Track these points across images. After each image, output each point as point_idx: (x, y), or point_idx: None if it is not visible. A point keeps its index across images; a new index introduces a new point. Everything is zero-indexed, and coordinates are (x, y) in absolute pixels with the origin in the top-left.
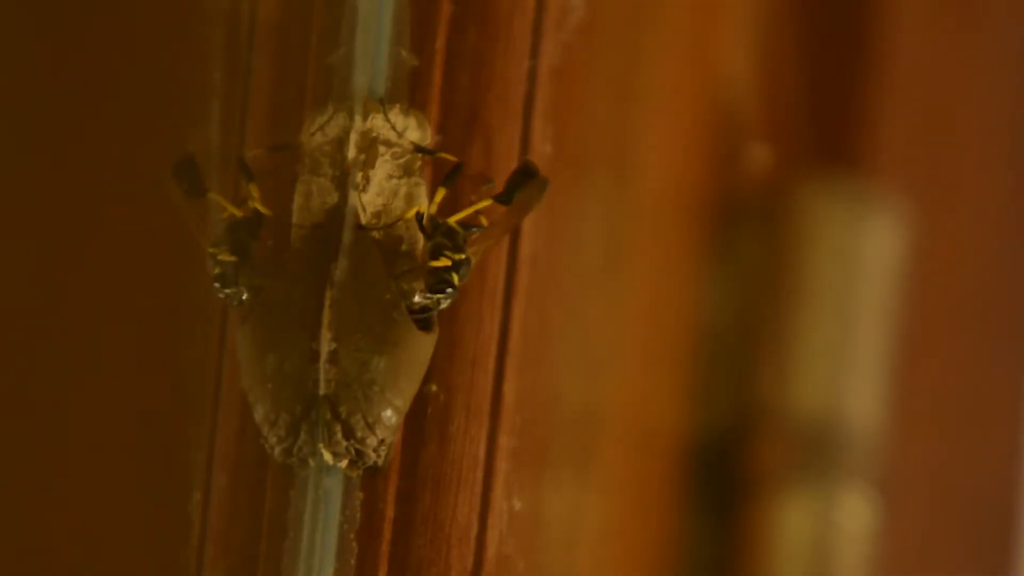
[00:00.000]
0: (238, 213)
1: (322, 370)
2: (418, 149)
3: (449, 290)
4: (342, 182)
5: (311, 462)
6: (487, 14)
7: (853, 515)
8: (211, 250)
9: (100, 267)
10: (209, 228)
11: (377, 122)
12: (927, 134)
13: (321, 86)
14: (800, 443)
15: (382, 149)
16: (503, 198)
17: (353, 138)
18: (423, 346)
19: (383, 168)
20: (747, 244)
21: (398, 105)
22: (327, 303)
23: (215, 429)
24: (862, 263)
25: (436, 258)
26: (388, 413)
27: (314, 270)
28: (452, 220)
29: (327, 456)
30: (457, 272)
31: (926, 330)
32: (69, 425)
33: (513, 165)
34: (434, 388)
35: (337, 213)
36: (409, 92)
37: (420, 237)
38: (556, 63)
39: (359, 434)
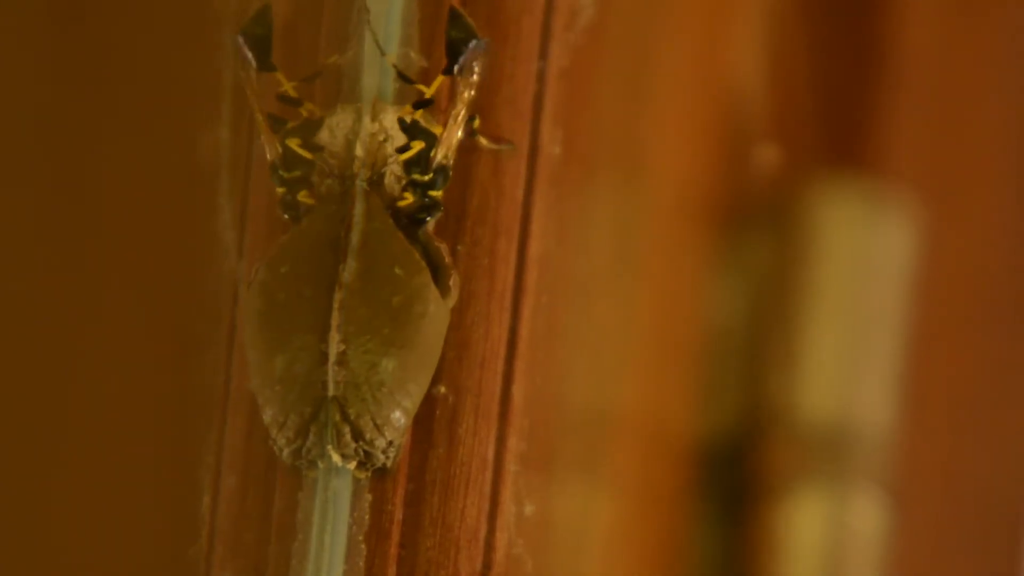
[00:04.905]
0: (304, 112)
1: (331, 372)
2: (400, 76)
3: (429, 219)
4: (350, 183)
5: (320, 464)
6: (496, 15)
7: (865, 518)
8: (289, 142)
9: (109, 269)
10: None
11: (386, 123)
12: (938, 135)
13: (330, 87)
14: (811, 445)
15: (390, 149)
16: (450, 69)
17: (361, 139)
18: (432, 348)
19: (391, 169)
20: (757, 245)
21: (407, 106)
22: (336, 305)
23: (224, 431)
24: (873, 264)
25: (409, 188)
26: (397, 415)
27: (322, 272)
28: (419, 114)
29: (336, 458)
30: (433, 188)
31: (938, 332)
32: (78, 426)
33: (522, 166)
34: (443, 390)
35: (345, 215)
36: (418, 92)
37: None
38: (565, 64)
39: (368, 436)
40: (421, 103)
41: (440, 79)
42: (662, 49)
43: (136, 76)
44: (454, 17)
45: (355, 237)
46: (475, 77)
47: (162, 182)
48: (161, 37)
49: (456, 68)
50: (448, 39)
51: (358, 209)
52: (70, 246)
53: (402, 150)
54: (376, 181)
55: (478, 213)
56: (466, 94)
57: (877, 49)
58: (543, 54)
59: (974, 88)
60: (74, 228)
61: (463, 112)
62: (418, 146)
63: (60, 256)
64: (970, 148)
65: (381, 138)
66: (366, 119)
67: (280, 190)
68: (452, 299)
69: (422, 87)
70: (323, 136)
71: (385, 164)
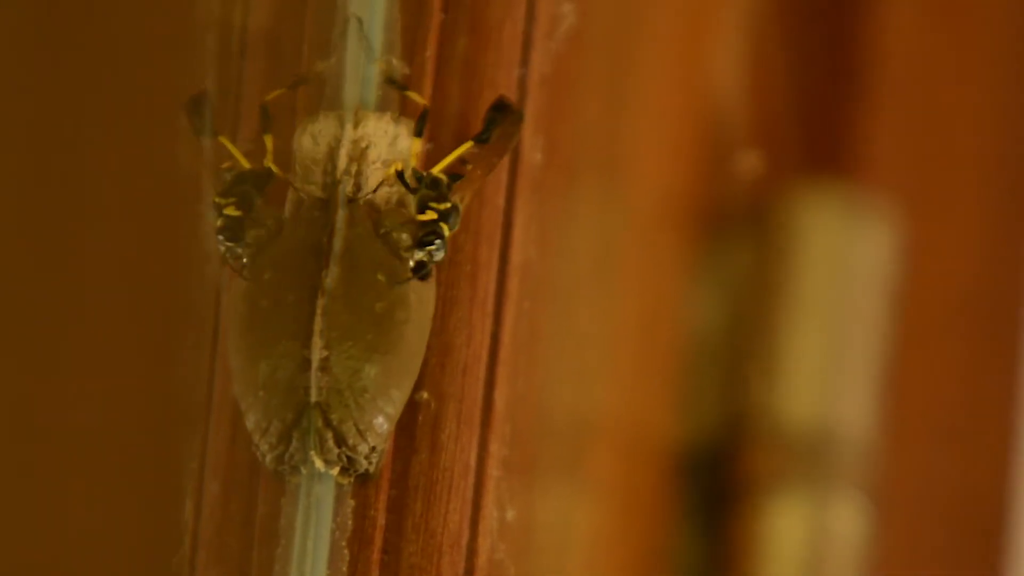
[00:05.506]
0: (246, 164)
1: (313, 378)
2: (389, 82)
3: (438, 241)
4: (332, 190)
5: (302, 469)
6: (478, 23)
7: (844, 522)
8: (218, 200)
9: (91, 274)
10: (216, 176)
11: (368, 130)
12: (917, 141)
13: (312, 94)
14: (791, 450)
15: (373, 156)
16: (481, 137)
17: (344, 146)
18: (414, 354)
19: (374, 176)
20: (737, 251)
21: (389, 113)
22: (318, 311)
23: (207, 437)
24: (852, 270)
25: (423, 212)
26: (379, 420)
27: (305, 278)
28: (435, 170)
29: (318, 463)
30: (446, 222)
31: (917, 337)
32: (60, 431)
33: (504, 173)
34: (425, 396)
35: (327, 221)
36: (400, 100)
37: (408, 198)
38: (546, 71)
39: (350, 441)
40: (421, 120)
41: (468, 145)
42: (643, 56)
43: (119, 83)
44: (501, 106)
45: (338, 243)
46: (499, 157)
47: (145, 188)
48: (144, 44)
49: (485, 136)
50: (491, 116)
51: (340, 216)
52: (53, 251)
53: (421, 210)
54: (358, 188)
55: (460, 220)
56: (486, 170)
57: (857, 56)
58: (524, 61)
59: (952, 95)
60: (57, 233)
61: (477, 186)
62: (429, 215)
63: (43, 261)
64: (949, 154)
65: (364, 145)
66: (348, 126)
67: (219, 222)
68: (424, 334)
69: (412, 94)
70: (305, 143)
71: (367, 171)
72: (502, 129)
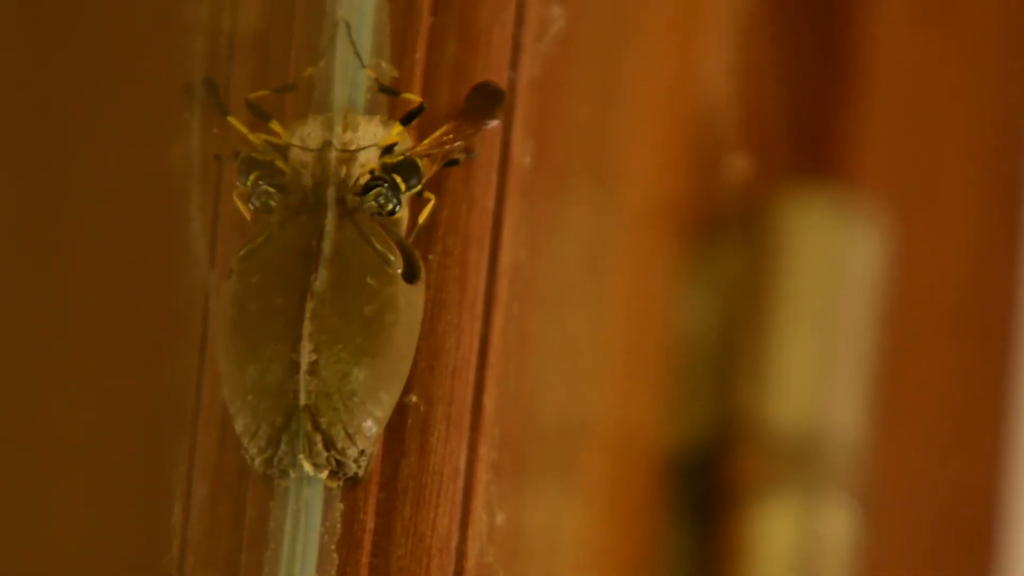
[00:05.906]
0: (257, 142)
1: (302, 381)
2: (383, 89)
3: (385, 186)
4: (322, 193)
5: (291, 473)
6: (467, 26)
7: (835, 526)
8: (254, 155)
9: (79, 278)
10: (247, 143)
11: (357, 133)
12: (908, 144)
13: (301, 98)
14: (781, 454)
15: (362, 160)
16: (461, 117)
17: (333, 150)
18: (403, 357)
19: (364, 179)
20: (728, 255)
21: (378, 116)
22: (307, 314)
23: (195, 440)
24: (843, 273)
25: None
26: (368, 424)
27: (294, 281)
28: (417, 149)
29: (307, 467)
30: (398, 173)
31: (908, 341)
32: (47, 436)
33: (493, 176)
34: (414, 399)
35: (317, 225)
36: (389, 103)
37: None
38: (536, 75)
39: (339, 445)
40: (412, 113)
41: (450, 125)
42: (633, 59)
43: (107, 85)
44: (481, 87)
45: (327, 246)
46: (474, 128)
47: (133, 191)
48: (132, 46)
49: (467, 111)
50: (471, 95)
51: (329, 218)
52: (40, 254)
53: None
54: (348, 190)
55: (449, 223)
56: (457, 137)
57: (847, 59)
58: (514, 65)
59: (943, 98)
60: (44, 236)
61: (444, 151)
62: (383, 160)
63: (29, 264)
64: (939, 157)
65: (353, 148)
66: (337, 129)
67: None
68: (414, 338)
69: (408, 95)
70: (294, 149)
71: (356, 174)
72: (480, 103)
